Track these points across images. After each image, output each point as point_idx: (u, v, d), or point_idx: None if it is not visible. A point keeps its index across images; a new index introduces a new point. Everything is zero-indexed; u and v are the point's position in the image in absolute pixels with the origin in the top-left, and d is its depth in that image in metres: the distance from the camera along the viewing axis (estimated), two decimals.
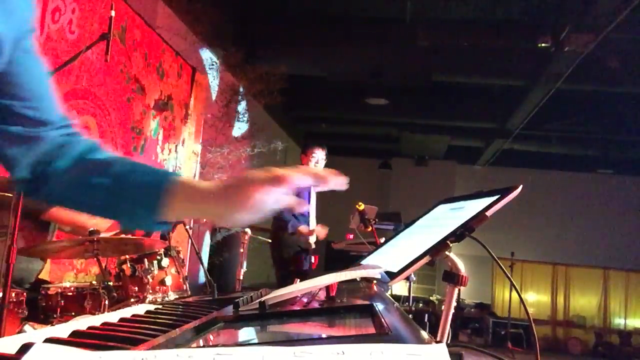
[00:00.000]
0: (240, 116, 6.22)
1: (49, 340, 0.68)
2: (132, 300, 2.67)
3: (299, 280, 1.17)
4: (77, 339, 0.70)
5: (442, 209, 1.26)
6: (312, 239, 4.30)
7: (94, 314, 2.22)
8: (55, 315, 2.56)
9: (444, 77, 6.79)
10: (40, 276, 3.10)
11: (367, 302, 0.90)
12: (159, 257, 2.80)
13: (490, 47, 5.76)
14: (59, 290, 2.63)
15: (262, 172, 0.73)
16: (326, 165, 4.56)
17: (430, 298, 9.83)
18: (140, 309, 1.02)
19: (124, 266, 2.77)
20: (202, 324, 0.80)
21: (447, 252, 0.91)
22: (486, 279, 9.82)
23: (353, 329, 0.82)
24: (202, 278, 3.26)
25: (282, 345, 0.50)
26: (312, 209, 4.33)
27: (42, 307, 2.59)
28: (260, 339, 0.81)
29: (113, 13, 2.38)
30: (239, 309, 0.92)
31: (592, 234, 9.91)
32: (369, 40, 6.06)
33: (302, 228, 4.06)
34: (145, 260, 2.75)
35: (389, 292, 1.58)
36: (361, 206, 3.72)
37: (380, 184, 11.02)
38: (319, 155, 4.33)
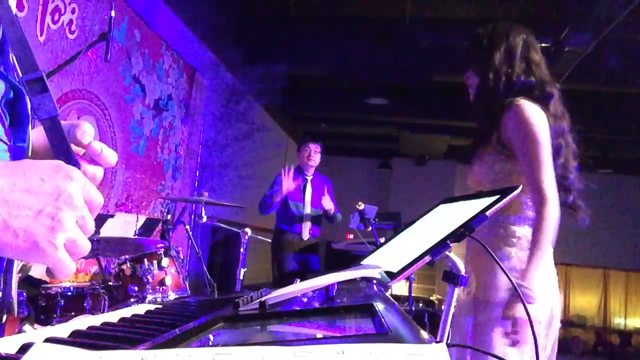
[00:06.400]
0: (240, 116, 6.21)
1: (49, 340, 0.68)
2: (132, 300, 2.67)
3: (299, 280, 1.17)
4: (77, 339, 0.70)
5: (442, 209, 1.26)
6: (305, 235, 4.30)
7: (94, 314, 2.22)
8: (55, 315, 2.56)
9: (444, 77, 6.79)
10: (40, 276, 3.10)
11: (367, 302, 0.90)
12: (159, 257, 2.80)
13: None
14: (59, 290, 2.63)
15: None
16: (326, 165, 4.57)
17: (430, 298, 9.83)
18: (140, 309, 1.02)
19: (124, 266, 2.77)
20: (202, 324, 0.80)
21: (447, 252, 0.91)
22: None
23: (353, 329, 0.82)
24: (202, 278, 3.25)
25: (282, 345, 0.50)
26: (306, 207, 4.34)
27: (42, 307, 2.60)
28: (260, 339, 0.81)
29: (113, 13, 2.38)
30: (239, 309, 0.92)
31: (592, 234, 9.90)
32: (369, 40, 6.05)
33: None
34: (145, 260, 2.76)
35: (389, 292, 1.58)
36: (361, 206, 3.72)
37: (380, 184, 11.02)
38: (311, 149, 4.39)
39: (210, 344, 0.74)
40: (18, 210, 0.50)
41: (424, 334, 0.62)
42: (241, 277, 3.45)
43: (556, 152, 1.68)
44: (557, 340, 1.71)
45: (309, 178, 4.42)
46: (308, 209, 4.34)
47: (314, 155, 4.41)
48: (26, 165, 0.53)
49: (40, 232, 0.50)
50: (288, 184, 4.16)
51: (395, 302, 1.00)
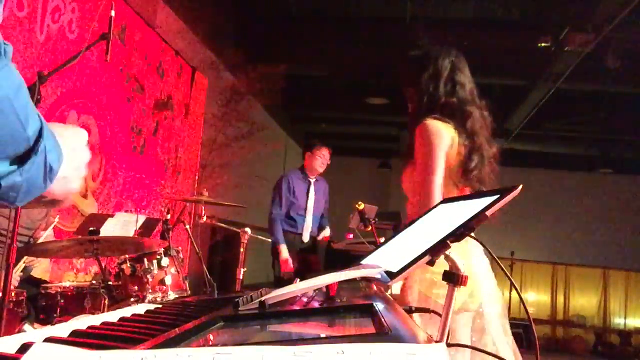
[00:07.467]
0: (240, 116, 6.21)
1: (49, 340, 0.68)
2: (132, 300, 2.67)
3: (299, 280, 1.17)
4: (77, 339, 0.70)
5: (442, 209, 1.26)
6: (306, 238, 4.29)
7: (94, 314, 2.22)
8: (55, 315, 2.56)
9: None
10: (40, 276, 3.10)
11: (367, 302, 0.90)
12: (159, 257, 2.79)
13: (490, 47, 5.76)
14: (59, 290, 2.63)
15: None
16: (327, 165, 4.55)
17: None
18: (140, 309, 1.03)
19: (124, 266, 2.77)
20: (202, 324, 0.80)
21: (447, 252, 0.91)
22: None
23: (353, 329, 0.82)
24: (202, 278, 3.25)
25: (282, 345, 0.50)
26: (309, 210, 4.33)
27: (42, 307, 2.60)
28: (260, 339, 0.81)
29: (113, 13, 2.38)
30: (239, 309, 0.92)
31: (592, 234, 9.90)
32: (369, 40, 6.06)
33: (282, 252, 4.12)
34: (145, 260, 2.75)
35: (389, 292, 1.58)
36: (361, 206, 3.71)
37: (380, 184, 11.02)
38: (326, 155, 4.36)
39: (210, 344, 0.74)
40: (79, 162, 0.69)
41: (424, 334, 0.62)
42: (241, 277, 3.45)
43: (467, 167, 1.80)
44: (502, 336, 1.72)
45: (313, 180, 4.41)
46: (310, 212, 4.33)
47: (326, 162, 4.39)
48: (63, 126, 0.69)
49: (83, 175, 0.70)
50: (285, 264, 4.14)
51: (396, 302, 1.00)
